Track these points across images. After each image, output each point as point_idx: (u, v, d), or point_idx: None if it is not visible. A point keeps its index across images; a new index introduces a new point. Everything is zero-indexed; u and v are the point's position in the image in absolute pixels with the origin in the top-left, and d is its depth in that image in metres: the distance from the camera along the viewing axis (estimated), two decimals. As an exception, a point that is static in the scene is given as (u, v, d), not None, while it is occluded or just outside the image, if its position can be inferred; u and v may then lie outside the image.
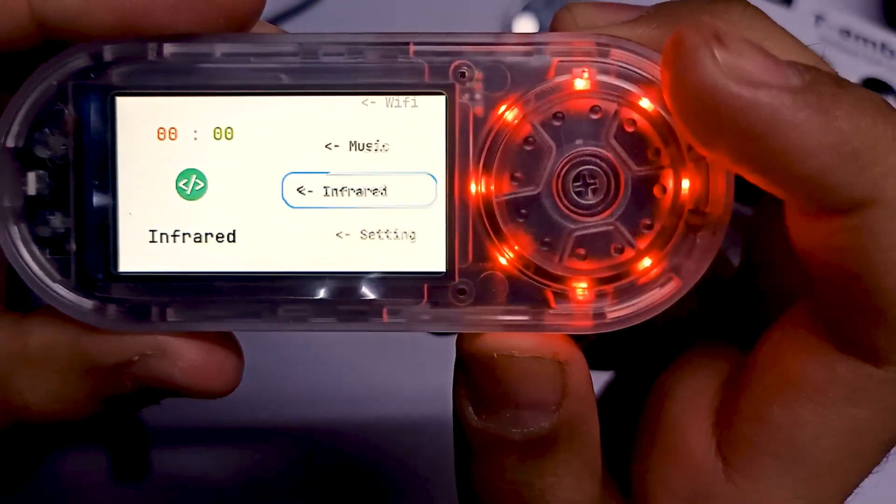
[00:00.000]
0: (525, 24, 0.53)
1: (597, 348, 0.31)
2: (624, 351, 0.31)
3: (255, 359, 0.46)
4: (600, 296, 0.22)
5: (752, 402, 0.22)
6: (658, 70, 0.21)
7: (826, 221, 0.20)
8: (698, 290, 0.22)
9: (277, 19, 0.53)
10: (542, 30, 0.52)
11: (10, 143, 0.22)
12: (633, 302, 0.22)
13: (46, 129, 0.22)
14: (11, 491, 0.45)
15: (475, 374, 0.22)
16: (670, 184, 0.21)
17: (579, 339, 0.26)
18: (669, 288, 0.22)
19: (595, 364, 0.31)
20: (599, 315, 0.22)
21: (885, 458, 0.22)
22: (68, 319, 0.22)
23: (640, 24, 0.22)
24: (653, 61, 0.21)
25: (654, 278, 0.22)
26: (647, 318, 0.22)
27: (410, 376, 0.45)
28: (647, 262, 0.22)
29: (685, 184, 0.21)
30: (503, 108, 0.22)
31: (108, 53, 0.22)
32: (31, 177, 0.22)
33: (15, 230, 0.22)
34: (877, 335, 0.20)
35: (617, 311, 0.22)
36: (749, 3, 0.22)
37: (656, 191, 0.22)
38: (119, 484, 0.46)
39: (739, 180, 0.21)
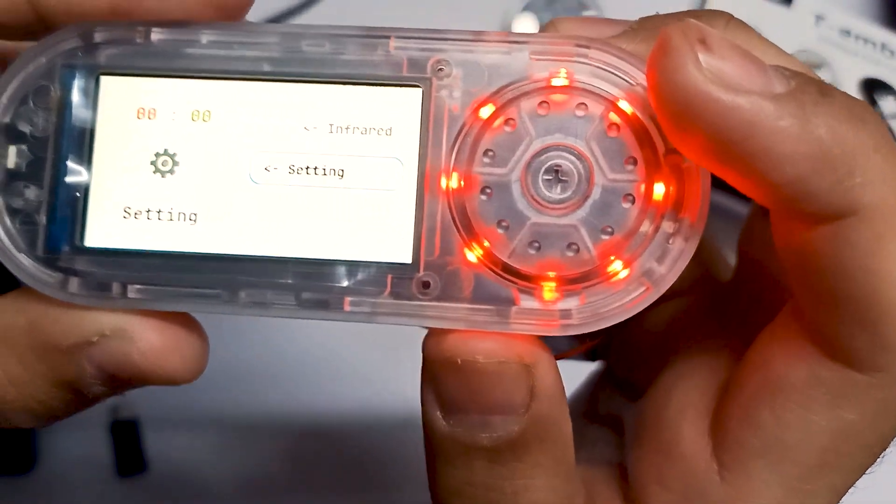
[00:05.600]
0: (525, 24, 0.53)
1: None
2: (618, 345, 0.30)
3: (251, 352, 0.46)
4: (568, 297, 0.21)
5: (742, 404, 0.22)
6: (636, 72, 0.21)
7: (805, 229, 0.20)
8: (696, 290, 0.22)
9: (277, 20, 0.53)
10: (541, 28, 0.53)
11: None
12: (602, 305, 0.21)
13: (31, 105, 0.22)
14: (20, 470, 0.45)
15: (440, 378, 0.21)
16: (640, 197, 0.21)
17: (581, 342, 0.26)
18: (640, 293, 0.21)
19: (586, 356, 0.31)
20: (566, 316, 0.21)
21: (878, 459, 0.22)
22: (30, 300, 0.22)
23: (624, 39, 0.22)
24: (631, 63, 0.21)
25: (625, 282, 0.21)
26: (616, 322, 0.21)
27: (408, 371, 0.45)
28: (617, 265, 0.21)
29: (660, 189, 0.21)
30: (479, 105, 0.22)
31: (97, 35, 0.22)
32: (12, 150, 0.22)
33: None
34: (858, 342, 0.20)
35: (584, 314, 0.21)
36: (732, 16, 0.23)
37: (624, 201, 0.21)
38: (122, 477, 0.46)
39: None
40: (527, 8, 0.54)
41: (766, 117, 0.19)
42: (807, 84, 0.19)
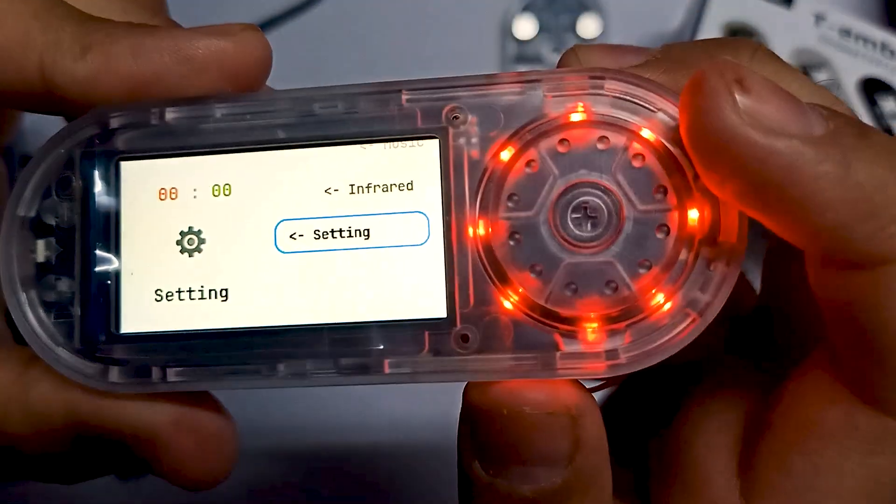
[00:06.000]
0: (525, 24, 0.53)
1: None
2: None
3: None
4: (613, 336, 0.21)
5: (774, 448, 0.21)
6: (656, 99, 0.21)
7: (843, 274, 0.19)
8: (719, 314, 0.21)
9: (278, 19, 0.54)
10: (541, 29, 0.53)
11: (22, 212, 0.22)
12: (649, 341, 0.21)
13: (55, 197, 0.22)
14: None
15: (483, 428, 0.21)
16: (675, 225, 0.20)
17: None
18: (686, 324, 0.20)
19: None
20: (613, 356, 0.21)
21: None
22: (66, 380, 0.22)
23: (647, 69, 0.22)
24: (650, 90, 0.21)
25: (670, 315, 0.21)
26: (665, 356, 0.21)
27: (414, 394, 0.44)
28: (660, 297, 0.21)
29: (694, 214, 0.20)
30: (498, 149, 0.21)
31: (114, 121, 0.22)
32: (40, 244, 0.22)
33: (23, 296, 0.22)
34: (895, 389, 0.19)
35: (631, 352, 0.21)
36: (760, 45, 0.22)
37: (658, 232, 0.21)
38: (121, 481, 0.46)
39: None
40: (527, 8, 0.54)
41: (806, 162, 0.18)
42: (846, 125, 0.19)
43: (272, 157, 0.22)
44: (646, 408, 0.27)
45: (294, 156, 0.22)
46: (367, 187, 0.22)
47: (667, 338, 0.20)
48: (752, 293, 0.27)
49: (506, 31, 0.54)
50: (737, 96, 0.18)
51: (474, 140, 0.21)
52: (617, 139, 0.21)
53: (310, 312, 0.21)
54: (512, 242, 0.21)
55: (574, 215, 0.21)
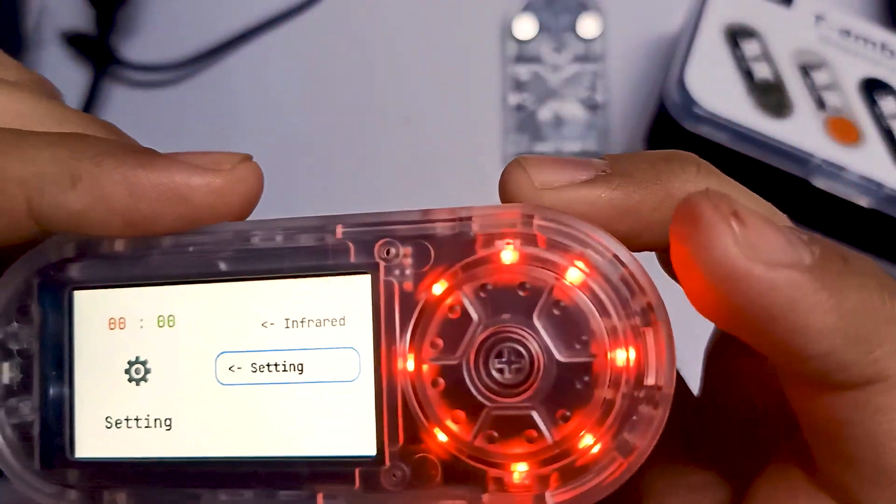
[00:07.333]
0: (525, 24, 0.54)
1: None
2: None
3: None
4: (540, 479, 0.21)
5: None
6: (587, 238, 0.20)
7: (829, 394, 0.19)
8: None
9: (278, 19, 0.55)
10: (541, 29, 0.53)
11: None
12: (577, 485, 0.20)
13: (15, 324, 0.23)
14: None
15: None
16: (600, 370, 0.20)
17: None
18: (615, 468, 0.20)
19: None
20: (540, 500, 0.20)
21: None
22: None
23: (598, 186, 0.21)
24: (580, 230, 0.20)
25: (598, 458, 0.20)
26: (596, 499, 0.20)
27: None
28: (588, 440, 0.20)
29: (622, 356, 0.20)
30: (429, 286, 0.21)
31: (67, 251, 0.23)
32: (5, 367, 0.24)
33: None
34: (878, 500, 0.19)
35: (559, 496, 0.20)
36: (702, 161, 0.22)
37: (583, 377, 0.20)
38: None
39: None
40: (527, 8, 0.54)
41: (805, 293, 0.18)
42: (829, 250, 0.19)
43: (214, 290, 0.22)
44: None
45: (234, 288, 0.22)
46: (302, 321, 0.22)
47: (596, 481, 0.20)
48: (689, 393, 0.26)
49: (506, 31, 0.54)
50: (736, 229, 0.18)
51: (408, 273, 0.21)
52: (541, 282, 0.20)
53: (247, 444, 0.22)
54: (438, 385, 0.21)
55: (498, 360, 0.21)
